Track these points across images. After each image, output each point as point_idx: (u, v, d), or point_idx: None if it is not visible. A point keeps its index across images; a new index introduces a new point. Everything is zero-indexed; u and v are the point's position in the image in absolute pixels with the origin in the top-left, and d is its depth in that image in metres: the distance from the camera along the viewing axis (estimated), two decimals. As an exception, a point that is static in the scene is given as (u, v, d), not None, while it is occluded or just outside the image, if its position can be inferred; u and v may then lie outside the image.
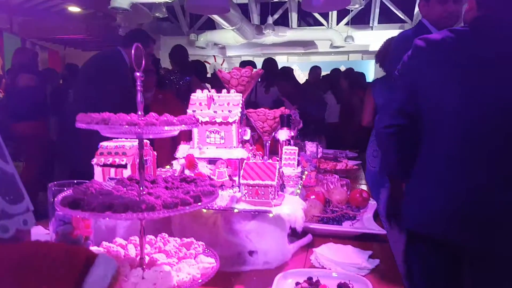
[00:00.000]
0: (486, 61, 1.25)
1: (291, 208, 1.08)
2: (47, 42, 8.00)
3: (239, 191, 1.22)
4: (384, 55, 2.66)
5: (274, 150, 2.08)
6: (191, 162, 1.16)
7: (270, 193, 1.10)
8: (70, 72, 5.48)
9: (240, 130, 1.45)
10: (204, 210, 1.11)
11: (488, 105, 1.23)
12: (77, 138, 2.28)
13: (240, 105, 1.43)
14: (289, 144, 1.85)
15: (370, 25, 9.49)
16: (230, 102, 1.43)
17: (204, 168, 1.20)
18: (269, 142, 2.04)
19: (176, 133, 0.84)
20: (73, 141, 2.59)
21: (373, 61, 10.86)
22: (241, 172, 1.12)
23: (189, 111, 1.43)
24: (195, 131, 1.43)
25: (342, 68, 5.87)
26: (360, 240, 1.27)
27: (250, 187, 1.11)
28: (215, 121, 1.39)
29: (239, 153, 1.39)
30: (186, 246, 0.96)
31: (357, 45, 9.20)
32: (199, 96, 1.46)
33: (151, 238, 0.99)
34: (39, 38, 7.67)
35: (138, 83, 0.84)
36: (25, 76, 4.32)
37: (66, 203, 0.77)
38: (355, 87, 4.57)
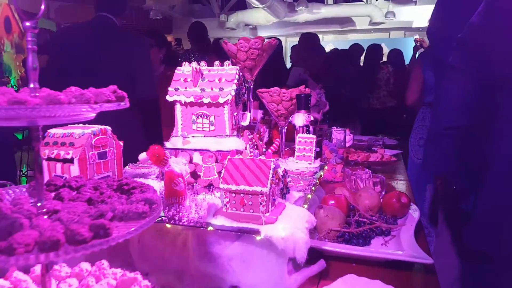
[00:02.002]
0: None
1: (289, 227, 0.74)
2: (82, 27, 7.95)
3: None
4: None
5: (293, 137, 1.72)
6: (157, 157, 0.84)
7: (261, 203, 0.76)
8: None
9: (235, 114, 1.12)
10: (168, 225, 0.79)
11: None
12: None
13: (236, 81, 1.09)
14: (308, 131, 1.49)
15: (414, -1, 8.70)
16: (223, 77, 1.10)
17: (177, 165, 0.88)
18: (286, 128, 1.71)
19: (88, 115, 0.52)
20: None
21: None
22: (222, 172, 0.79)
23: (170, 89, 1.11)
24: (178, 114, 1.11)
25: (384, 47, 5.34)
26: (395, 268, 0.91)
27: (233, 195, 0.78)
28: (202, 101, 1.07)
29: (233, 143, 1.06)
30: (125, 284, 0.65)
31: (398, 22, 8.55)
32: (184, 70, 1.14)
33: (83, 269, 0.69)
34: (74, 23, 7.63)
35: (29, 38, 0.52)
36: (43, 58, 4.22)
37: None
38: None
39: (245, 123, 1.16)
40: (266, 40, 1.47)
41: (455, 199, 1.31)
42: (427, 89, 2.31)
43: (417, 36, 3.66)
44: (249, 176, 0.77)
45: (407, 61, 5.26)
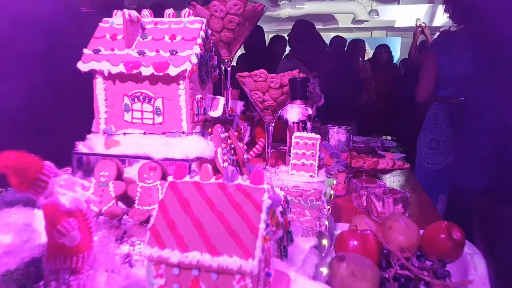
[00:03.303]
0: None
1: None
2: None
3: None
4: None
5: (283, 137, 1.32)
6: (19, 176, 0.39)
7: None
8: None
9: (199, 97, 0.67)
10: None
11: None
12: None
13: (201, 41, 0.64)
14: (304, 128, 1.07)
15: (397, -2, 8.66)
16: (178, 34, 0.64)
17: (67, 192, 0.43)
18: (273, 124, 1.30)
19: None
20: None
21: (399, 39, 9.93)
22: (152, 220, 0.34)
23: (86, 51, 0.65)
24: (99, 95, 0.65)
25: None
26: None
27: (175, 272, 0.34)
28: (140, 73, 0.61)
29: (194, 146, 0.61)
30: None
31: (381, 21, 8.57)
32: (115, 22, 0.68)
33: None
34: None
35: None
36: None
37: None
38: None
39: (216, 113, 0.70)
40: (249, 3, 1.06)
41: None
42: (441, 82, 1.94)
43: (420, 19, 3.24)
44: (213, 229, 0.33)
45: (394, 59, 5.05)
